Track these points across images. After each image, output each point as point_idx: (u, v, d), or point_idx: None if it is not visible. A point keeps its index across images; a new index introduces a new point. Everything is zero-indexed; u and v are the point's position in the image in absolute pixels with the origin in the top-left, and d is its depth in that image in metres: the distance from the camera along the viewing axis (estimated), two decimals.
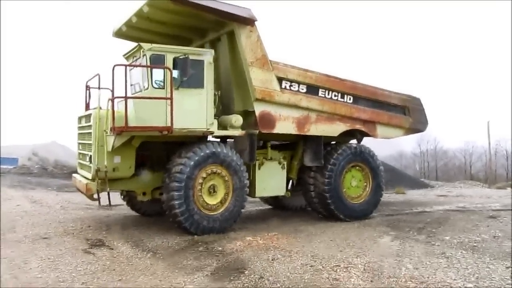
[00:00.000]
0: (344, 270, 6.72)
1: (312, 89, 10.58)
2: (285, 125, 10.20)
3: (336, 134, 11.03)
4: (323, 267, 6.87)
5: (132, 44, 10.58)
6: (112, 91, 8.41)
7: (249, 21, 9.55)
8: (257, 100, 9.71)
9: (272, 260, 7.22)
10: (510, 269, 6.76)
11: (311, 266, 6.92)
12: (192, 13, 9.29)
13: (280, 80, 10.04)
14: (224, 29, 9.89)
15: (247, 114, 9.92)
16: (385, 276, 6.48)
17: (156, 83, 9.02)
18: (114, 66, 8.39)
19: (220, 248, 7.99)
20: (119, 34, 10.95)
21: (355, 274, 6.55)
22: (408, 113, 12.45)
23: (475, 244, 8.35)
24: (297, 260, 7.22)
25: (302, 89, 10.42)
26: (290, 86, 10.24)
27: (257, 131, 9.91)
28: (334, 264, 6.98)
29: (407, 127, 12.53)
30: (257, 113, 9.78)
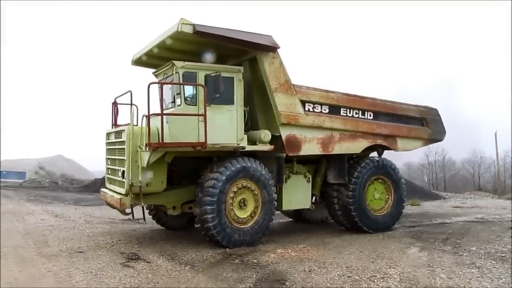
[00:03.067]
0: (381, 280, 6.92)
1: (334, 109, 10.84)
2: (311, 147, 10.46)
3: (359, 151, 11.28)
4: (360, 277, 7.08)
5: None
6: (148, 108, 8.68)
7: (271, 49, 9.79)
8: (282, 124, 9.97)
9: (309, 271, 7.43)
10: None
11: (348, 277, 7.13)
12: (214, 43, 9.48)
13: (303, 103, 10.29)
14: (246, 56, 10.13)
15: (273, 138, 10.09)
16: (422, 285, 6.68)
17: (187, 100, 9.31)
18: (150, 84, 8.67)
19: (255, 261, 8.20)
20: (138, 62, 11.22)
21: (392, 284, 6.74)
22: (426, 124, 12.66)
23: (502, 255, 8.55)
24: (333, 271, 7.42)
25: (325, 110, 10.68)
26: (313, 108, 10.51)
27: (284, 154, 10.18)
28: (371, 275, 7.18)
29: (426, 137, 12.75)
30: (283, 137, 10.03)
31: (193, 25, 8.81)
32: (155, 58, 10.62)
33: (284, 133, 10.06)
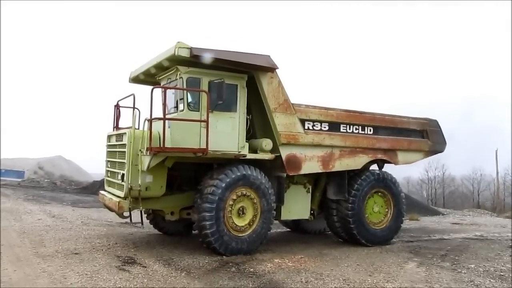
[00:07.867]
0: None
1: (334, 126, 10.80)
2: (311, 165, 10.41)
3: (359, 167, 11.20)
4: None
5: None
6: (150, 112, 8.65)
7: (269, 69, 9.76)
8: (282, 144, 9.94)
9: (306, 282, 7.38)
10: None
11: None
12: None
13: (302, 121, 10.25)
14: (244, 74, 9.99)
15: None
16: None
17: (190, 105, 9.30)
18: (153, 88, 8.67)
19: (252, 269, 8.15)
20: (136, 80, 11.33)
21: None
22: (426, 136, 12.55)
23: (502, 273, 8.51)
24: (330, 283, 7.38)
25: (325, 127, 10.64)
26: (313, 126, 10.46)
27: (285, 174, 10.13)
28: None
29: (427, 150, 12.62)
30: (283, 157, 9.98)
31: (190, 48, 8.80)
32: (152, 77, 10.63)
33: (284, 152, 10.01)
